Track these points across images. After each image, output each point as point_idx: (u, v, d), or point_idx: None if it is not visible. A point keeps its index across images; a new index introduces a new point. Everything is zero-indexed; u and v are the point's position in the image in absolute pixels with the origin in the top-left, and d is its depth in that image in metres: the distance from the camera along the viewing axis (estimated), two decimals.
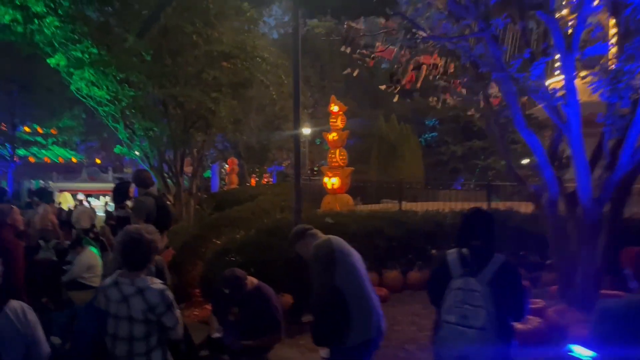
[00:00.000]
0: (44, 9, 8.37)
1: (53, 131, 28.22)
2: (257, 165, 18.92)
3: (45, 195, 21.21)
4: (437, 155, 26.73)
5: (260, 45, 9.36)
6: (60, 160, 29.18)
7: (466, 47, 4.87)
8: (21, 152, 27.23)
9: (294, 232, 3.49)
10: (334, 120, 9.13)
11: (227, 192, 11.84)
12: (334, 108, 9.07)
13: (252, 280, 4.59)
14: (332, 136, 9.19)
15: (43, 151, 28.71)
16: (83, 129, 27.03)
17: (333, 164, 9.11)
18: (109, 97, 9.99)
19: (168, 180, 10.69)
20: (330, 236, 3.37)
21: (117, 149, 10.40)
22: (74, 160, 29.41)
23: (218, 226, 7.88)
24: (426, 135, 32.81)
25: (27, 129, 27.68)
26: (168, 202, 7.00)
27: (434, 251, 6.93)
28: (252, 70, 8.90)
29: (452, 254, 2.86)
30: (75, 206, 17.63)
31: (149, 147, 10.30)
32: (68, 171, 27.07)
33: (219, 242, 7.43)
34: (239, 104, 9.26)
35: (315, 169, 27.65)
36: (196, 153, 11.03)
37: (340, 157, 9.09)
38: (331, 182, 8.91)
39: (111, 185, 23.51)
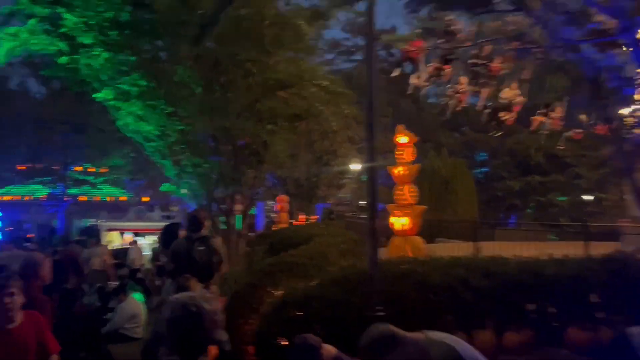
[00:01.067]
0: (92, 40, 7.86)
1: (103, 170, 28.34)
2: (306, 202, 18.08)
3: (94, 234, 20.86)
4: (491, 190, 25.28)
5: (319, 72, 8.56)
6: (109, 198, 29.18)
7: (588, 58, 3.84)
8: (73, 191, 27.35)
9: (376, 338, 2.39)
10: (401, 152, 8.15)
11: (278, 232, 10.95)
12: (402, 139, 8.10)
13: (329, 350, 3.58)
14: (399, 170, 8.18)
15: (93, 190, 28.81)
16: (132, 167, 26.99)
17: (401, 202, 8.08)
18: (157, 133, 9.38)
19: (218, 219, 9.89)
20: (445, 338, 2.33)
21: (165, 187, 9.66)
22: (122, 198, 29.36)
23: (273, 273, 6.91)
24: (478, 169, 31.33)
25: (78, 168, 27.90)
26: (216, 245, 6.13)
27: (532, 307, 5.70)
28: (311, 99, 8.07)
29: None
30: (130, 245, 17.10)
31: (197, 185, 9.56)
32: (116, 210, 26.90)
33: (276, 292, 6.46)
34: (294, 138, 8.43)
35: (364, 204, 26.55)
36: (247, 190, 10.23)
37: (410, 194, 8.05)
38: (400, 222, 7.87)
39: (158, 224, 23.14)
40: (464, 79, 6.39)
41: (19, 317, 3.32)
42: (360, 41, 38.67)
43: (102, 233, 21.84)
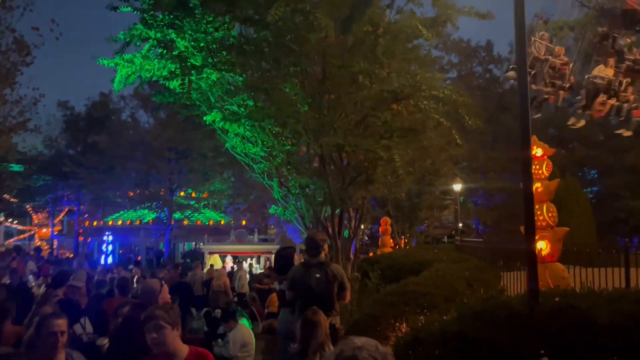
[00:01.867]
0: (201, 62, 7.72)
1: (204, 195, 29.18)
2: (407, 225, 17.18)
3: (198, 257, 21.18)
4: (609, 211, 22.87)
5: (436, 82, 7.82)
6: (210, 222, 29.93)
7: None
8: (177, 215, 28.34)
9: None
10: (537, 166, 7.13)
11: (386, 256, 10.23)
12: (537, 152, 7.10)
13: None
14: (536, 187, 7.17)
15: (195, 214, 29.72)
16: (232, 191, 27.52)
17: (538, 223, 7.05)
18: (262, 154, 9.08)
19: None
20: None
21: (272, 209, 9.29)
22: (222, 222, 30.03)
23: (395, 303, 6.19)
24: (589, 188, 28.70)
25: (182, 193, 28.93)
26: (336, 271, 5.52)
27: None
28: (428, 112, 7.34)
29: None
30: (235, 269, 17.11)
31: (304, 207, 9.09)
32: (217, 233, 27.46)
33: (401, 325, 5.73)
34: (410, 153, 7.71)
35: (461, 226, 25.14)
36: (354, 212, 9.62)
37: (549, 214, 6.99)
38: (537, 246, 6.85)
39: (257, 247, 23.20)
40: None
41: (182, 352, 2.94)
42: (454, 58, 37.49)
43: (205, 256, 22.31)
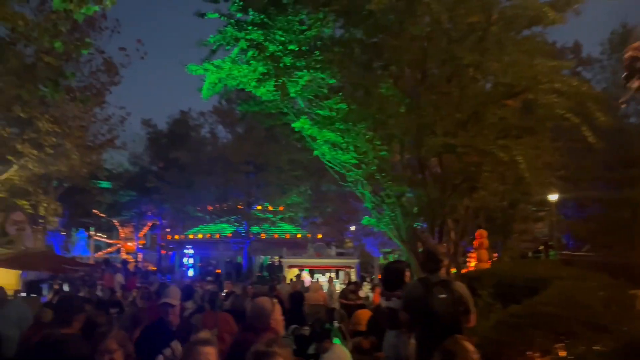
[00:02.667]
0: (290, 62, 7.24)
1: (281, 208, 29.04)
2: (500, 238, 15.91)
3: (279, 271, 20.80)
4: None
5: (558, 74, 6.85)
6: (287, 236, 29.73)
7: None
8: (254, 229, 28.35)
9: None
10: None
11: (491, 272, 9.22)
12: None
13: None
14: None
15: (273, 228, 29.62)
16: (309, 205, 27.17)
17: None
18: (354, 162, 8.45)
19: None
20: None
21: (365, 220, 8.61)
22: (298, 236, 29.74)
23: (522, 327, 5.29)
24: None
25: (259, 207, 28.95)
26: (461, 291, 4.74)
27: None
28: (551, 107, 6.42)
29: None
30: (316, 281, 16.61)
31: (399, 217, 8.34)
32: (295, 247, 27.18)
33: (534, 354, 4.85)
34: (535, 153, 6.77)
35: (551, 243, 23.27)
36: (454, 224, 8.73)
37: None
38: None
39: (335, 262, 22.57)
40: None
41: None
42: None
43: (284, 270, 21.97)
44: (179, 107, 49.20)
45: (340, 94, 7.79)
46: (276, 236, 29.60)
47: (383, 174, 8.02)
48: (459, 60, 6.38)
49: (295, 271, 21.44)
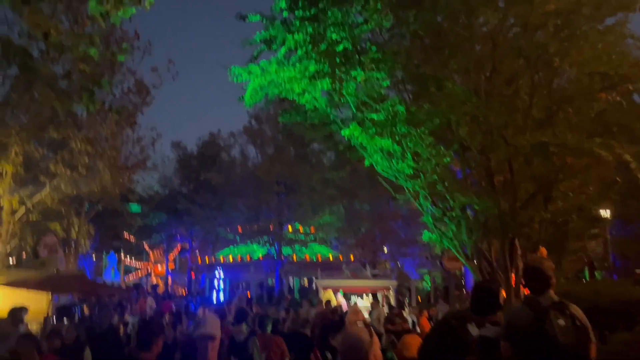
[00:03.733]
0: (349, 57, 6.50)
1: (312, 229, 28.23)
2: (554, 257, 14.70)
3: (307, 294, 19.81)
4: None
5: None
6: (319, 257, 28.85)
7: None
8: (286, 250, 27.56)
9: None
10: None
11: (563, 295, 8.17)
12: None
13: None
14: None
15: (304, 249, 28.79)
16: (342, 224, 26.29)
17: None
18: (409, 172, 7.62)
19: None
20: None
21: (425, 236, 7.72)
22: (330, 257, 28.83)
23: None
24: None
25: (290, 228, 28.19)
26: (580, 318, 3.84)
27: None
28: None
29: None
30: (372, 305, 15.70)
31: (464, 233, 7.44)
32: (328, 268, 26.25)
33: None
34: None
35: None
36: (524, 241, 7.75)
37: None
38: None
39: (372, 283, 21.49)
40: None
41: None
42: None
43: (320, 292, 20.99)
44: (208, 129, 49.21)
45: (395, 96, 7.02)
46: (307, 258, 28.75)
47: (446, 184, 7.16)
48: (541, 49, 5.56)
49: (330, 293, 20.45)
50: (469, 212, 7.21)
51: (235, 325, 6.83)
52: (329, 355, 9.78)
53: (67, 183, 16.77)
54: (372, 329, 3.23)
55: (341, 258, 28.66)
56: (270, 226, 27.28)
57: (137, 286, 32.19)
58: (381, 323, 13.55)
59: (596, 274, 24.23)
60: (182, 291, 35.08)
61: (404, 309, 15.97)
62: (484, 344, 4.34)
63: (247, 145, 29.38)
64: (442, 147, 6.79)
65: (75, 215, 21.27)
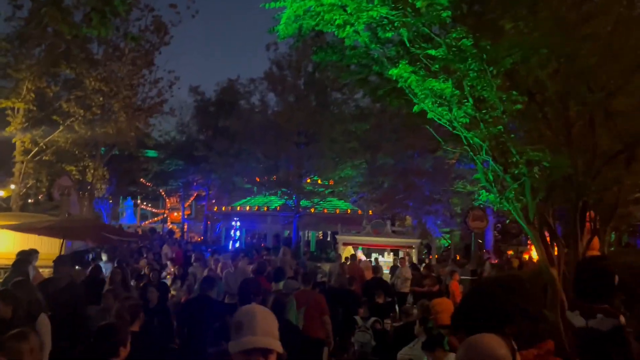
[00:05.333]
0: None
1: (331, 182, 27.30)
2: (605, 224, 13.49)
3: (324, 248, 19.01)
4: None
5: None
6: (337, 211, 28.07)
7: None
8: (304, 203, 26.76)
9: None
10: None
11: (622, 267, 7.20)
12: None
13: None
14: None
15: (322, 202, 28.00)
16: (363, 179, 25.31)
17: None
18: (465, 120, 6.51)
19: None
20: None
21: (483, 196, 6.68)
22: (348, 211, 28.03)
23: None
24: None
25: (308, 180, 27.29)
26: None
27: None
28: None
29: None
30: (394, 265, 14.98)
31: (528, 194, 6.39)
32: (348, 223, 25.48)
33: None
34: None
35: None
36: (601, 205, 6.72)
37: None
38: None
39: (395, 241, 20.71)
40: None
41: None
42: None
43: (339, 248, 20.28)
44: (227, 75, 47.79)
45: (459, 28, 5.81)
46: (325, 211, 27.98)
47: (513, 135, 6.07)
48: None
49: (350, 249, 19.71)
50: (536, 169, 6.12)
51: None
52: (358, 320, 9.03)
53: (80, 123, 15.89)
54: (512, 343, 2.21)
55: (359, 212, 27.86)
56: (289, 177, 26.38)
57: (152, 231, 31.95)
58: (405, 281, 12.83)
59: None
60: (197, 239, 34.86)
61: (426, 268, 15.15)
62: (593, 340, 3.40)
63: (267, 92, 28.15)
64: (515, 92, 5.65)
65: (90, 158, 20.54)
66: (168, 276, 12.33)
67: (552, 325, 6.49)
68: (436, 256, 24.56)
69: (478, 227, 23.62)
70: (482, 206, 24.49)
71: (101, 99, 16.19)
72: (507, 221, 31.44)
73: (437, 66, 6.01)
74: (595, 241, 10.11)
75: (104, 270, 9.86)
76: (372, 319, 8.69)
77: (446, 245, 27.92)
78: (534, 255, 26.03)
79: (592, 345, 3.29)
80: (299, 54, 26.51)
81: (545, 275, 6.57)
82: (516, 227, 32.08)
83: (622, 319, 3.20)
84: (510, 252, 27.37)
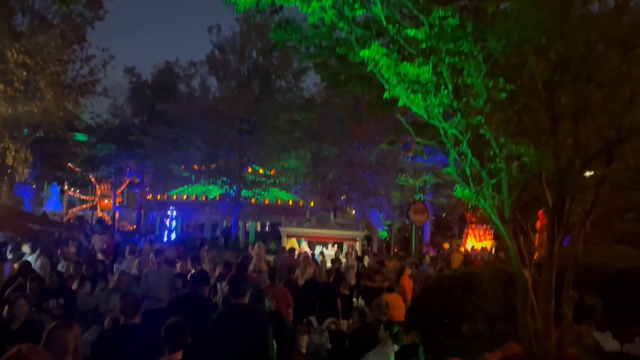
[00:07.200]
0: None
1: (272, 172, 26.44)
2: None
3: (265, 239, 18.16)
4: None
5: None
6: (279, 202, 27.30)
7: None
8: (245, 193, 25.75)
9: None
10: None
11: (589, 267, 6.92)
12: None
13: None
14: None
15: (264, 193, 27.12)
16: (307, 170, 24.63)
17: None
18: (438, 110, 5.96)
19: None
20: None
21: (458, 192, 6.16)
22: (290, 202, 27.32)
23: None
24: None
25: (249, 169, 26.29)
26: None
27: None
28: None
29: None
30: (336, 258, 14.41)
31: (505, 190, 5.96)
32: (291, 214, 24.73)
33: None
34: None
35: None
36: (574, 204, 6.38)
37: None
38: None
39: (343, 233, 20.19)
40: None
41: None
42: None
43: (283, 239, 19.55)
44: (166, 57, 45.66)
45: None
46: (267, 202, 27.12)
47: (493, 128, 5.57)
48: None
49: (294, 242, 19.06)
50: (515, 164, 5.68)
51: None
52: (313, 320, 8.37)
53: (0, 100, 14.11)
54: None
55: (301, 204, 27.21)
56: (231, 166, 25.22)
57: (81, 220, 29.74)
58: (351, 277, 12.37)
59: None
60: (130, 227, 32.95)
61: (378, 262, 14.75)
62: None
63: (209, 77, 26.73)
64: (502, 79, 5.14)
65: (11, 139, 18.50)
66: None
67: (525, 328, 6.15)
68: (369, 248, 24.32)
69: (420, 221, 23.69)
70: (422, 200, 24.61)
71: (25, 73, 14.47)
72: (444, 215, 31.91)
73: (413, 50, 5.40)
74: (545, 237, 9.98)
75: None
76: (329, 319, 8.05)
77: (385, 237, 27.90)
78: (469, 248, 26.49)
79: None
80: (244, 39, 25.36)
81: (518, 278, 6.19)
82: (450, 221, 32.65)
83: None
84: (447, 245, 27.76)
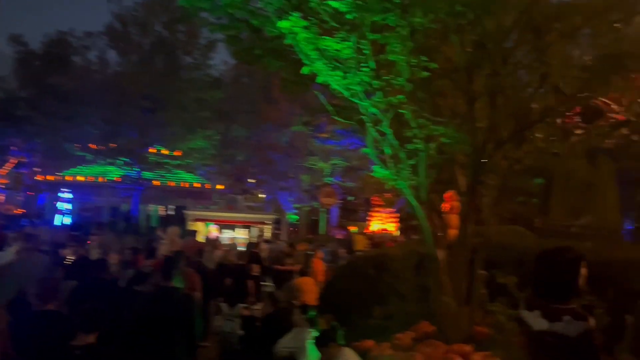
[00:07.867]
0: None
1: (177, 153, 25.24)
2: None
3: (182, 223, 17.46)
4: None
5: None
6: (183, 184, 26.21)
7: None
8: (147, 174, 24.36)
9: None
10: None
11: (503, 247, 7.14)
12: None
13: None
14: None
15: (168, 175, 25.87)
16: (216, 151, 23.75)
17: None
18: (359, 88, 5.78)
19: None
20: None
21: (378, 172, 6.04)
22: (196, 185, 26.33)
23: None
24: None
25: (151, 150, 24.87)
26: None
27: None
28: None
29: None
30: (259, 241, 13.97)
31: (422, 171, 5.93)
32: (197, 197, 23.77)
33: None
34: None
35: None
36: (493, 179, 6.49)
37: None
38: None
39: (249, 216, 19.79)
40: None
41: None
42: None
43: (190, 223, 18.75)
44: (58, 26, 41.56)
45: None
46: (171, 184, 25.92)
47: (414, 108, 5.49)
48: None
49: (200, 225, 18.37)
50: (433, 145, 5.66)
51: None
52: (223, 306, 7.96)
53: None
54: None
55: (208, 186, 26.33)
56: (131, 146, 23.64)
57: None
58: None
59: None
60: (16, 211, 30.02)
61: (289, 245, 14.57)
62: (557, 346, 2.84)
63: (107, 49, 24.75)
64: (425, 58, 5.03)
65: None
66: None
67: (438, 307, 6.24)
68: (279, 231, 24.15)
69: (329, 204, 23.85)
70: (330, 183, 24.78)
71: None
72: (350, 198, 32.46)
73: (335, 23, 5.14)
74: (455, 220, 10.28)
75: None
76: (240, 305, 7.70)
77: (295, 220, 27.87)
78: (374, 228, 27.18)
79: (556, 353, 2.75)
80: (147, 10, 23.75)
81: (432, 259, 6.24)
82: (357, 204, 33.34)
83: (592, 321, 2.70)
84: (354, 228, 28.27)
